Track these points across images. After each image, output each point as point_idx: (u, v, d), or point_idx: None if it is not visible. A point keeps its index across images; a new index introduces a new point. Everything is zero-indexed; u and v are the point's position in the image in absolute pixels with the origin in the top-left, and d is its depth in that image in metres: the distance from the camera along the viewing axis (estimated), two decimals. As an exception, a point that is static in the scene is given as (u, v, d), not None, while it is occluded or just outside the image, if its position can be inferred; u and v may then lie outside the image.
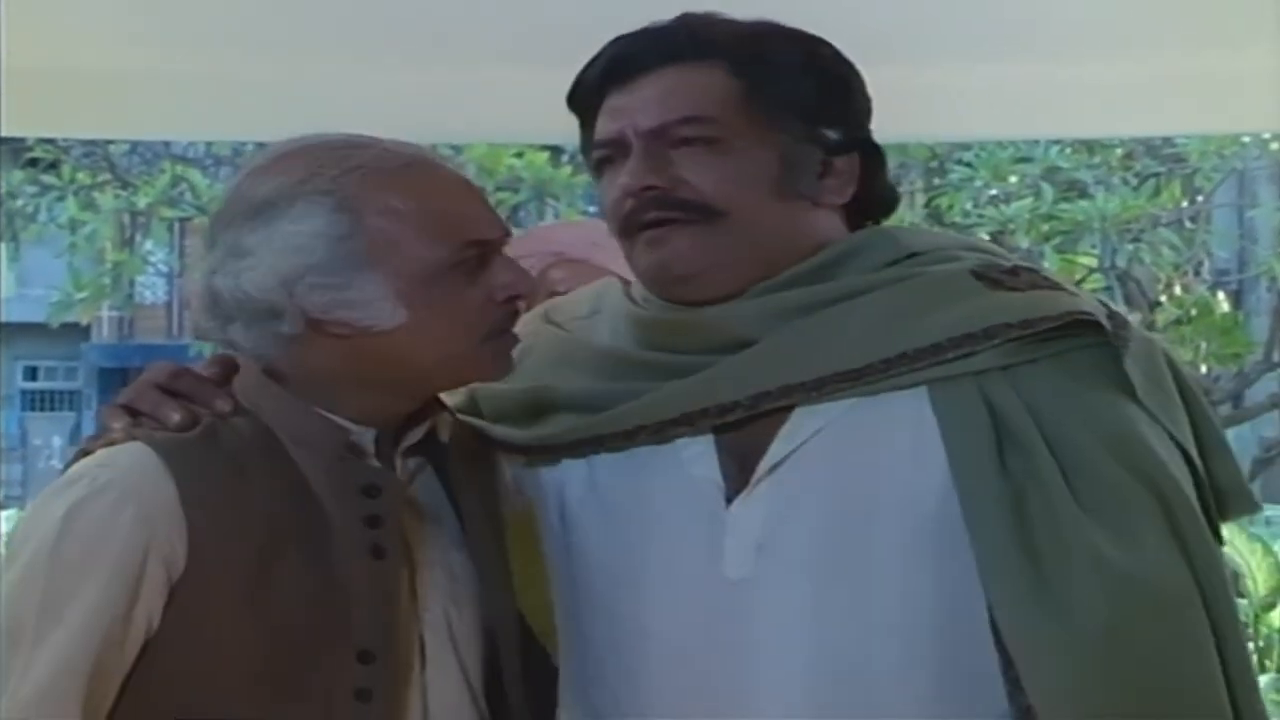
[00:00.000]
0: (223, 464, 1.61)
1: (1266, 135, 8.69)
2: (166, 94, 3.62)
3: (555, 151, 9.88)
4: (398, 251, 1.61)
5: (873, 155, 1.81)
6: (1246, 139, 9.02)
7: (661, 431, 1.72)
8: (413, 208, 1.63)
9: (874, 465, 1.68)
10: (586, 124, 1.81)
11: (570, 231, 2.84)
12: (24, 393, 20.50)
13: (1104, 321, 1.70)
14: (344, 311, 1.61)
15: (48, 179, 10.31)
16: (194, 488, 1.58)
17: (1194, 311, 9.17)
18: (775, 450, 1.69)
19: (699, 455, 1.72)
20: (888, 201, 1.84)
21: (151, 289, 16.57)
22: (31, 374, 20.68)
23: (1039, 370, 1.68)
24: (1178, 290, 9.78)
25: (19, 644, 1.54)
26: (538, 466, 1.82)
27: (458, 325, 1.64)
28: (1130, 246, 9.41)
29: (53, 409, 20.43)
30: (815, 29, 1.80)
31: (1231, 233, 11.42)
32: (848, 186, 1.78)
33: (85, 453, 1.65)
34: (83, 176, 10.29)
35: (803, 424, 1.69)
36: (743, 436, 1.71)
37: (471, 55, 3.48)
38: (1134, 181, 9.60)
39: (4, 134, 3.62)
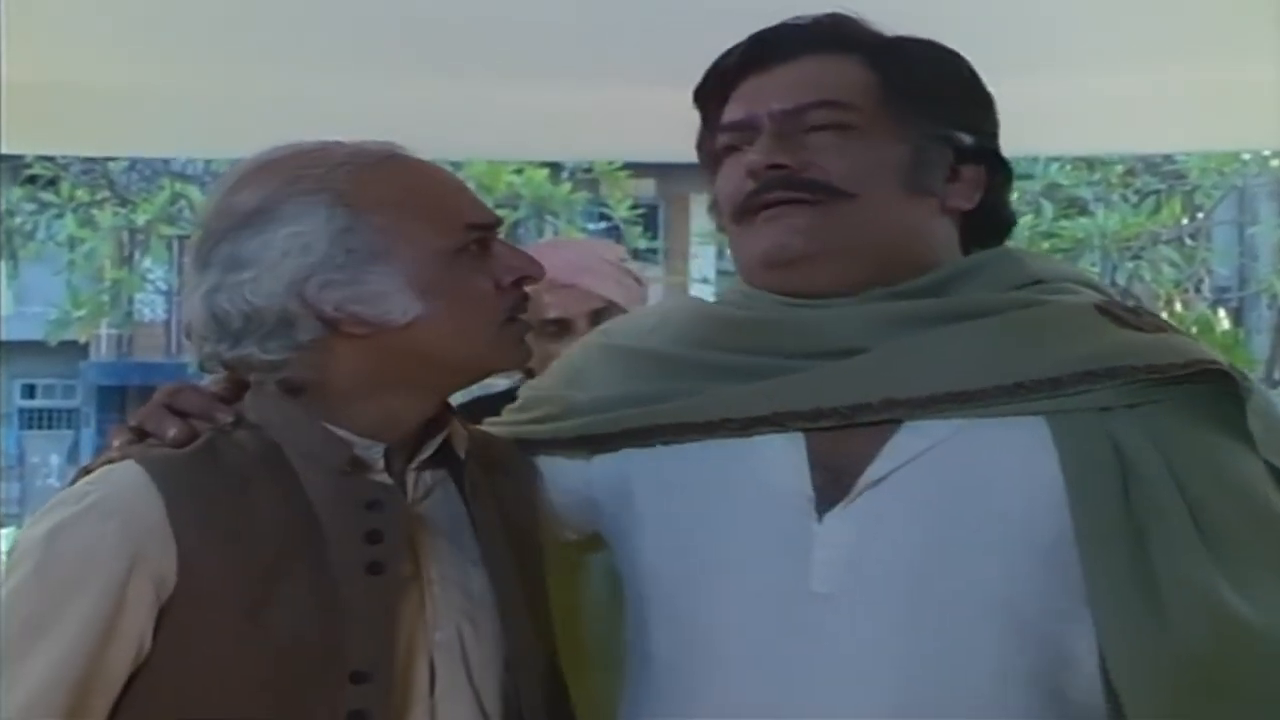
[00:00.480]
0: (220, 480, 1.58)
1: (1267, 152, 8.71)
2: (165, 111, 3.62)
3: (554, 168, 9.90)
4: (402, 240, 1.59)
5: (998, 172, 1.77)
6: (1247, 156, 9.04)
7: (747, 428, 1.68)
8: (406, 197, 1.61)
9: (984, 490, 1.62)
10: (709, 116, 1.79)
11: (560, 255, 2.83)
12: (22, 411, 20.45)
13: (1232, 371, 1.67)
14: (359, 307, 1.58)
15: (46, 196, 10.33)
16: (184, 504, 1.55)
17: (1194, 329, 9.17)
18: (879, 466, 1.64)
19: (788, 462, 1.67)
20: (1006, 222, 1.82)
21: (150, 306, 16.54)
22: (29, 392, 20.62)
23: (1163, 411, 1.65)
24: (1178, 307, 9.79)
25: (6, 663, 1.51)
26: (600, 456, 1.77)
27: (472, 313, 1.61)
28: (1130, 264, 9.44)
29: (51, 427, 20.38)
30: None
31: (1232, 250, 11.45)
32: (974, 193, 1.75)
33: (87, 472, 1.62)
34: (81, 194, 10.32)
35: (909, 441, 1.64)
36: (837, 445, 1.66)
37: (472, 72, 3.48)
38: (1134, 198, 9.63)
39: (3, 151, 3.62)
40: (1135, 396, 1.64)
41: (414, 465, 1.66)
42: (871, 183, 1.69)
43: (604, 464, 1.77)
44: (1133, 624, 1.58)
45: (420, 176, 1.64)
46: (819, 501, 1.65)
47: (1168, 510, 1.60)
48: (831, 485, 1.65)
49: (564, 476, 1.81)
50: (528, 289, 1.67)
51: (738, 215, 1.73)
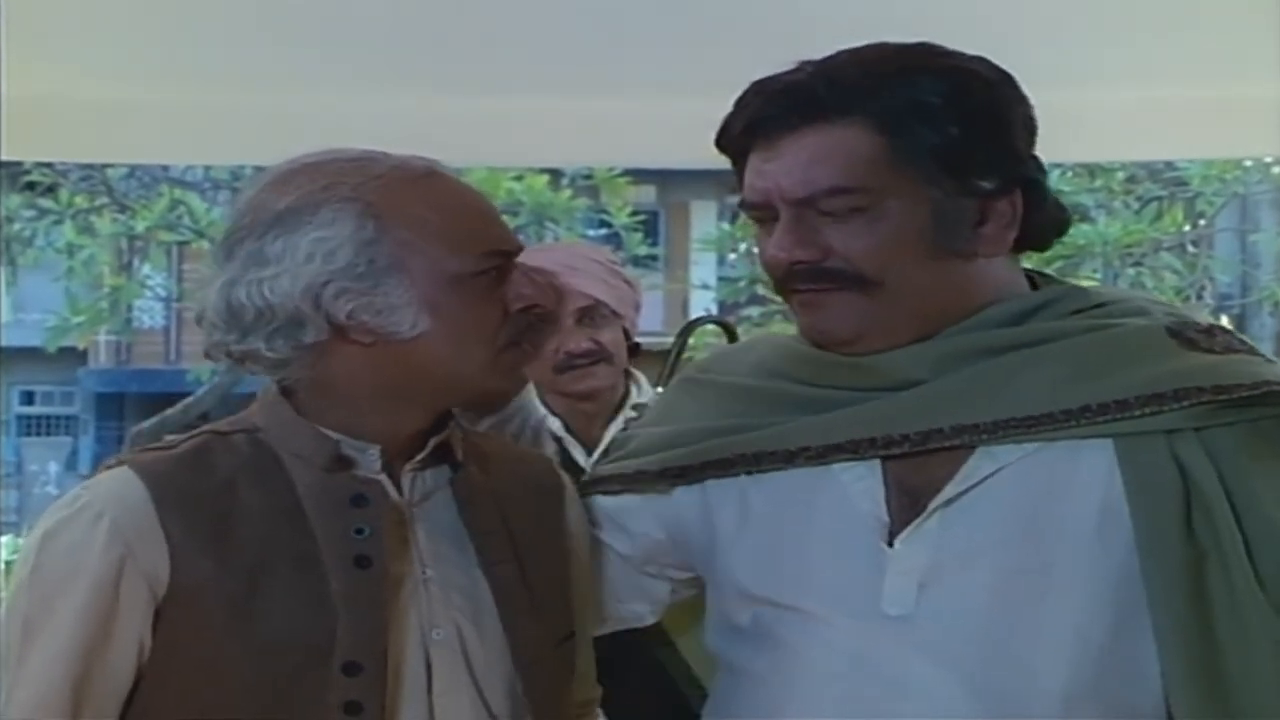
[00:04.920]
0: (208, 481, 1.62)
1: (1268, 159, 8.71)
2: (164, 119, 3.62)
3: (554, 175, 9.90)
4: (423, 258, 1.62)
5: (1032, 188, 1.71)
6: (1248, 163, 9.03)
7: (824, 455, 1.70)
8: (437, 216, 1.64)
9: (1054, 516, 1.64)
10: (735, 164, 1.76)
11: (546, 257, 2.84)
12: (20, 418, 20.41)
13: None
14: (369, 317, 1.61)
15: (45, 203, 10.30)
16: (173, 505, 1.59)
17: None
18: (950, 489, 1.66)
19: (865, 488, 1.70)
20: (1059, 223, 1.75)
21: (149, 313, 16.46)
22: (28, 399, 20.59)
23: (1232, 434, 1.63)
24: (1179, 315, 9.75)
25: (8, 666, 1.56)
26: (682, 488, 1.80)
27: (478, 336, 1.64)
28: (1132, 271, 9.43)
29: (49, 434, 20.34)
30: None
31: (1233, 258, 11.43)
32: (1008, 232, 1.70)
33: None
34: (80, 201, 10.29)
35: (980, 464, 1.66)
36: (914, 471, 1.68)
37: (471, 80, 3.47)
38: (1136, 206, 9.63)
39: (2, 158, 3.61)
40: (1203, 419, 1.63)
41: (409, 467, 1.68)
42: (895, 262, 1.66)
43: (687, 495, 1.81)
44: (1187, 650, 1.58)
45: (454, 198, 1.67)
46: (894, 525, 1.67)
47: (1223, 537, 1.60)
48: (908, 509, 1.67)
49: (651, 513, 1.85)
50: (543, 303, 1.69)
51: (776, 290, 1.74)
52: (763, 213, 1.72)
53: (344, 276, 1.60)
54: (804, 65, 1.69)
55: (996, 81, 1.71)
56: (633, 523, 1.86)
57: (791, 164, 1.67)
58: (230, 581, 1.58)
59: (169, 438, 1.68)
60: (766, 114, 1.69)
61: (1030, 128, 1.73)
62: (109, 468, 1.65)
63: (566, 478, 1.84)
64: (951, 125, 1.66)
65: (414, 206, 1.63)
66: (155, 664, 1.58)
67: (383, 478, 1.66)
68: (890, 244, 1.66)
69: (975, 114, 1.67)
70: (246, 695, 1.57)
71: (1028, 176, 1.71)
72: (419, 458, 1.69)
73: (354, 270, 1.60)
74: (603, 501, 1.87)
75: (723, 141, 1.74)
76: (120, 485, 1.61)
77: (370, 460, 1.66)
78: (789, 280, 1.70)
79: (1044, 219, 1.73)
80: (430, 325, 1.61)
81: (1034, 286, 1.78)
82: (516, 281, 1.67)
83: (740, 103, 1.72)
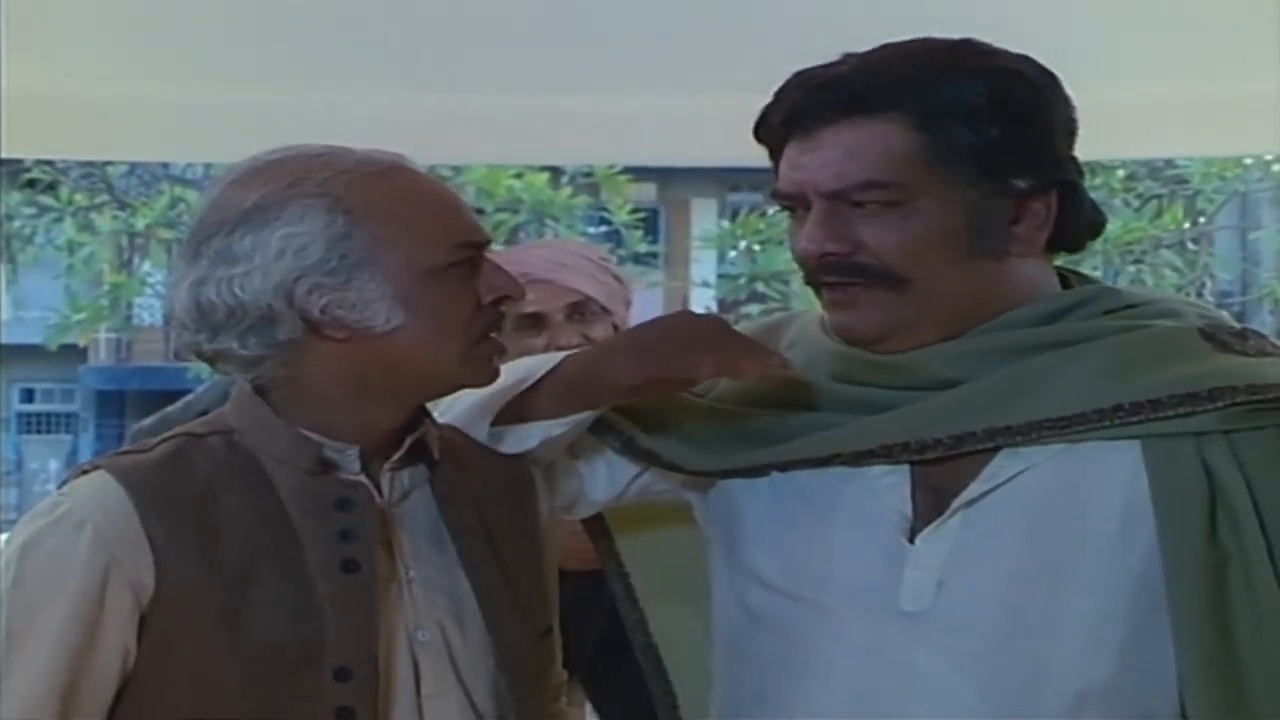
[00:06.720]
0: (189, 485, 1.60)
1: (1268, 157, 8.71)
2: (165, 116, 3.62)
3: (554, 173, 9.90)
4: (394, 252, 1.61)
5: (1068, 189, 1.70)
6: (1248, 161, 9.04)
7: (856, 461, 1.70)
8: (406, 210, 1.63)
9: (1077, 516, 1.63)
10: (772, 155, 1.75)
11: (537, 253, 2.84)
12: (20, 415, 20.41)
13: None
14: (343, 312, 1.60)
15: (45, 200, 10.32)
16: (156, 511, 1.58)
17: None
18: (974, 488, 1.66)
19: (891, 483, 1.69)
20: (1094, 225, 1.74)
21: (149, 311, 16.43)
22: (28, 396, 20.59)
23: (1261, 439, 1.61)
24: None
25: None
26: (706, 488, 1.82)
27: (452, 328, 1.64)
28: (1132, 268, 9.44)
29: (49, 432, 20.34)
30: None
31: (1234, 255, 11.45)
32: (1041, 232, 1.69)
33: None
34: (81, 198, 10.32)
35: (1006, 464, 1.66)
36: (941, 471, 1.68)
37: (471, 77, 3.47)
38: (1136, 203, 9.63)
39: (3, 155, 3.61)
40: (1233, 422, 1.62)
41: (387, 466, 1.68)
42: (926, 260, 1.66)
43: (716, 485, 1.82)
44: (1206, 652, 1.58)
45: (421, 191, 1.66)
46: (916, 522, 1.67)
47: (1246, 541, 1.60)
48: (932, 507, 1.67)
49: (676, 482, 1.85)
50: (514, 295, 1.69)
51: (806, 283, 1.74)
52: (795, 204, 1.71)
53: (316, 272, 1.59)
54: (846, 58, 1.69)
55: (1040, 83, 1.70)
56: (658, 483, 1.86)
57: (828, 157, 1.67)
58: (216, 587, 1.57)
59: (144, 441, 1.66)
60: (806, 106, 1.68)
61: (1071, 129, 1.72)
62: (84, 472, 1.63)
63: (537, 470, 1.82)
64: (991, 127, 1.65)
65: (383, 200, 1.62)
66: (142, 671, 1.57)
67: (363, 478, 1.65)
68: (921, 241, 1.65)
69: (1016, 116, 1.66)
70: (236, 701, 1.56)
71: (1065, 178, 1.70)
72: (396, 457, 1.68)
73: (326, 265, 1.59)
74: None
75: (761, 132, 1.73)
76: (100, 491, 1.59)
77: (349, 461, 1.65)
78: (818, 273, 1.70)
79: (1079, 220, 1.72)
80: (404, 319, 1.61)
81: (1066, 285, 1.77)
82: (488, 273, 1.66)
83: (780, 94, 1.71)
